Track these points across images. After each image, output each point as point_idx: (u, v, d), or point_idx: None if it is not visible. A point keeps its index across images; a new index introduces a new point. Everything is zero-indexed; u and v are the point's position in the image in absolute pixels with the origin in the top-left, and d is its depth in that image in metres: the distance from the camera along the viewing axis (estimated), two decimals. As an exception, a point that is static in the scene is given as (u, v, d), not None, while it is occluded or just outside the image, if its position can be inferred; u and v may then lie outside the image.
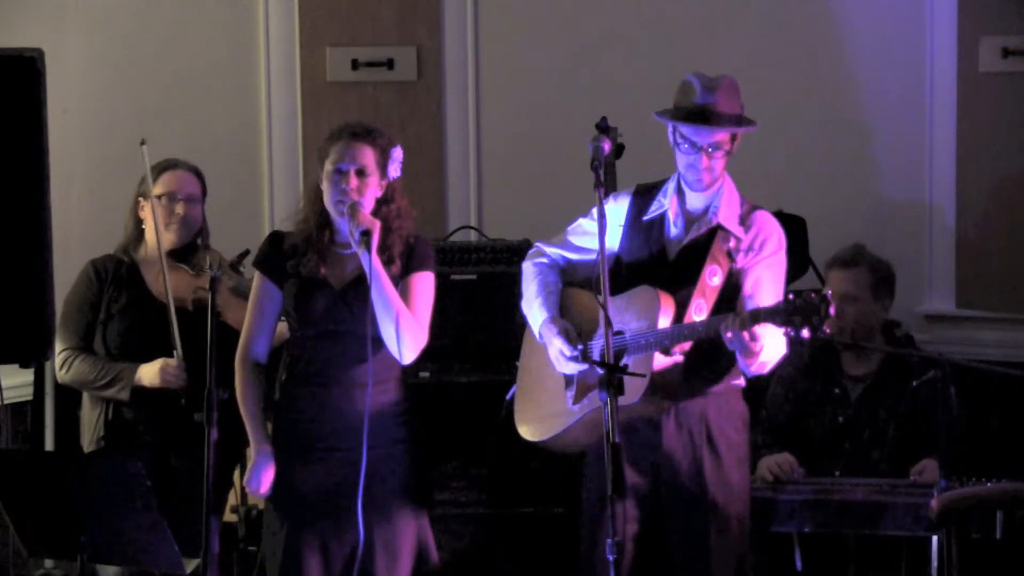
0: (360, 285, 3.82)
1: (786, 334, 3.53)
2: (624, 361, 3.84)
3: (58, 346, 4.26)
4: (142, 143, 4.15)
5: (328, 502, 3.82)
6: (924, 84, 5.74)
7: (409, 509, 3.89)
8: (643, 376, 3.77)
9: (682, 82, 3.97)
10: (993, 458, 4.50)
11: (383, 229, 3.84)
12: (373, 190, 3.85)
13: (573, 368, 3.94)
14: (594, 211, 4.06)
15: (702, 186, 3.94)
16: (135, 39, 5.84)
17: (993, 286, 5.69)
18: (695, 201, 3.98)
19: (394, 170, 3.89)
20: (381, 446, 3.84)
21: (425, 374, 4.97)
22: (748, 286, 3.91)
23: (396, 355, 3.81)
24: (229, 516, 4.81)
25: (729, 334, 3.63)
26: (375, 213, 3.86)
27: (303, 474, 3.87)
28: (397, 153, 3.90)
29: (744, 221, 3.97)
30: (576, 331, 3.98)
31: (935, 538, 4.20)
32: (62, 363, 4.28)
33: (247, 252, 4.27)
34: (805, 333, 3.47)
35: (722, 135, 3.91)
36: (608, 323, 3.57)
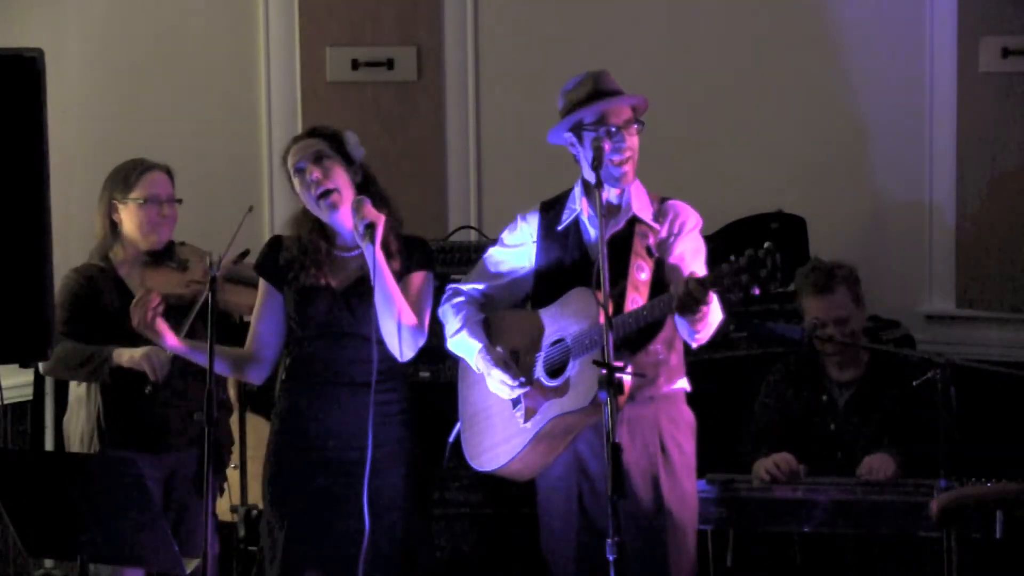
0: (361, 286, 3.82)
1: (736, 296, 3.45)
2: (569, 366, 3.83)
3: None
4: (250, 209, 4.08)
5: (327, 502, 3.82)
6: (924, 84, 5.74)
7: (408, 508, 3.89)
8: (642, 376, 3.77)
9: (571, 87, 3.95)
10: (993, 458, 4.50)
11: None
12: (342, 175, 3.84)
13: (517, 394, 3.92)
14: (503, 236, 4.10)
15: (624, 171, 3.87)
16: (135, 39, 5.85)
17: (993, 286, 5.69)
18: (608, 198, 3.91)
19: (356, 151, 3.89)
20: (381, 445, 3.83)
21: (425, 374, 4.97)
22: (673, 259, 3.89)
23: (395, 352, 3.80)
24: (229, 516, 4.81)
25: (678, 306, 3.57)
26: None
27: (302, 474, 3.87)
28: (350, 136, 3.90)
29: (658, 216, 3.93)
30: (515, 352, 3.95)
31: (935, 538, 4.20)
32: None
33: (247, 252, 4.27)
34: (755, 291, 3.40)
35: (628, 111, 3.89)
36: (608, 323, 3.56)
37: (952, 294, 5.78)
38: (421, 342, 3.85)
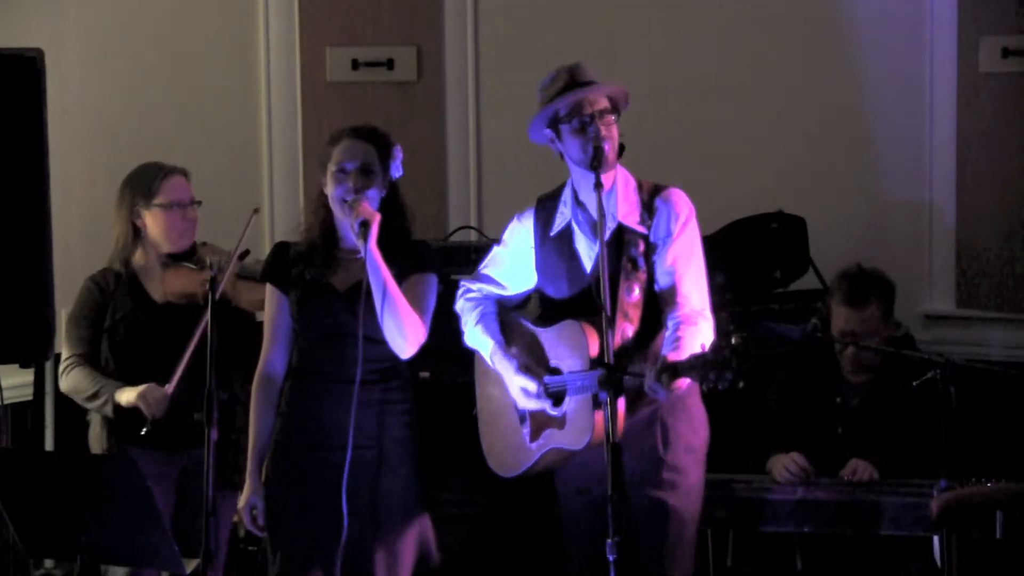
0: (363, 288, 3.81)
1: (704, 386, 3.50)
2: (567, 401, 3.82)
3: (64, 352, 4.30)
4: (255, 211, 4.20)
5: (330, 498, 3.81)
6: (924, 84, 5.74)
7: (411, 509, 3.89)
8: (642, 375, 3.76)
9: (547, 82, 3.93)
10: (993, 458, 4.50)
11: (385, 230, 3.83)
12: (378, 189, 3.85)
13: (537, 405, 3.90)
14: (505, 238, 4.08)
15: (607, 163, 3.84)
16: (135, 39, 5.86)
17: (993, 286, 5.69)
18: (593, 205, 3.85)
19: (396, 169, 3.89)
20: (384, 445, 3.84)
21: (425, 374, 4.97)
22: (665, 270, 3.84)
23: (396, 347, 3.80)
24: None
25: (649, 390, 3.60)
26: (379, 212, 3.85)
27: (305, 470, 3.87)
28: (398, 152, 3.90)
29: (646, 214, 3.88)
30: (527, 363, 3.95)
31: (935, 538, 4.19)
32: (63, 370, 4.32)
33: (247, 252, 4.27)
34: (721, 386, 3.44)
35: (604, 101, 3.84)
36: (609, 323, 3.56)
37: (952, 294, 5.78)
38: (421, 338, 3.84)
